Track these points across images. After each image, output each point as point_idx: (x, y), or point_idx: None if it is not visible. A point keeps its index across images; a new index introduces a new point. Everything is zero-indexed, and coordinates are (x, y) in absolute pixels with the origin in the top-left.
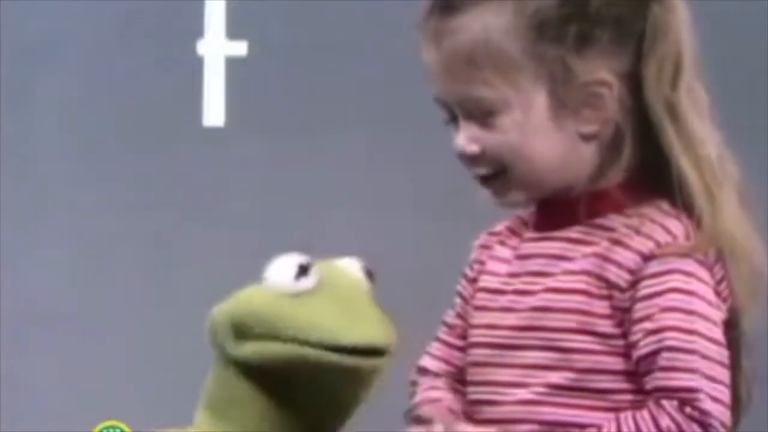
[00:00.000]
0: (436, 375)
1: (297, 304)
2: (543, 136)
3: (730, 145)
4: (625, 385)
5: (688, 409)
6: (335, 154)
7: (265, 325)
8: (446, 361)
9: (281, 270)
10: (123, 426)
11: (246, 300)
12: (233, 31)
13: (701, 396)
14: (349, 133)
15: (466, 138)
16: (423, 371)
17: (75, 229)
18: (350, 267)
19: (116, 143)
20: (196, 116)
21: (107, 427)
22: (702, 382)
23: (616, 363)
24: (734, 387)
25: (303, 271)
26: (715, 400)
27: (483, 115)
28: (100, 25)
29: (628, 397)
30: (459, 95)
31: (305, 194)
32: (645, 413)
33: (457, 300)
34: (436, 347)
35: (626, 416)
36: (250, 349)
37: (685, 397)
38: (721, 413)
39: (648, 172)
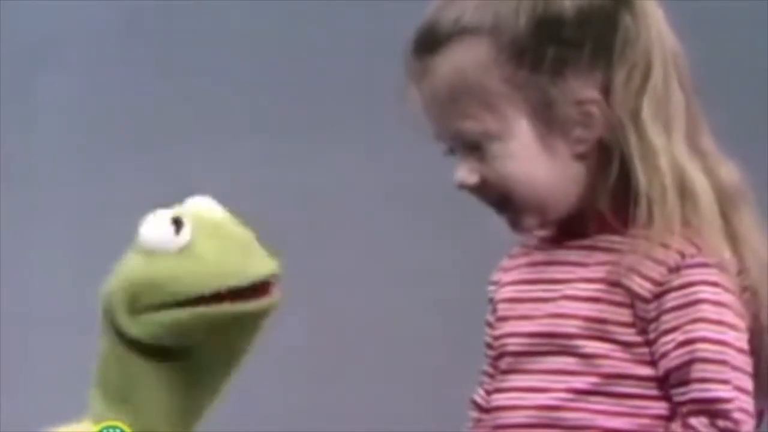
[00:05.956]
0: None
1: (184, 259)
2: (536, 160)
3: (731, 146)
4: (644, 391)
5: (720, 422)
6: (335, 154)
7: (162, 292)
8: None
9: (159, 230)
10: (123, 426)
11: (136, 271)
12: None
13: (733, 407)
14: (349, 133)
15: (466, 170)
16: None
17: (75, 230)
18: (207, 206)
19: (116, 143)
20: (195, 116)
21: (107, 427)
22: (734, 393)
23: (639, 369)
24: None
25: (178, 224)
26: (744, 411)
27: (476, 147)
28: (100, 26)
29: (647, 403)
30: (449, 131)
31: (305, 194)
32: None
33: (488, 351)
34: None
35: None
36: (148, 322)
37: (718, 409)
38: (748, 424)
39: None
